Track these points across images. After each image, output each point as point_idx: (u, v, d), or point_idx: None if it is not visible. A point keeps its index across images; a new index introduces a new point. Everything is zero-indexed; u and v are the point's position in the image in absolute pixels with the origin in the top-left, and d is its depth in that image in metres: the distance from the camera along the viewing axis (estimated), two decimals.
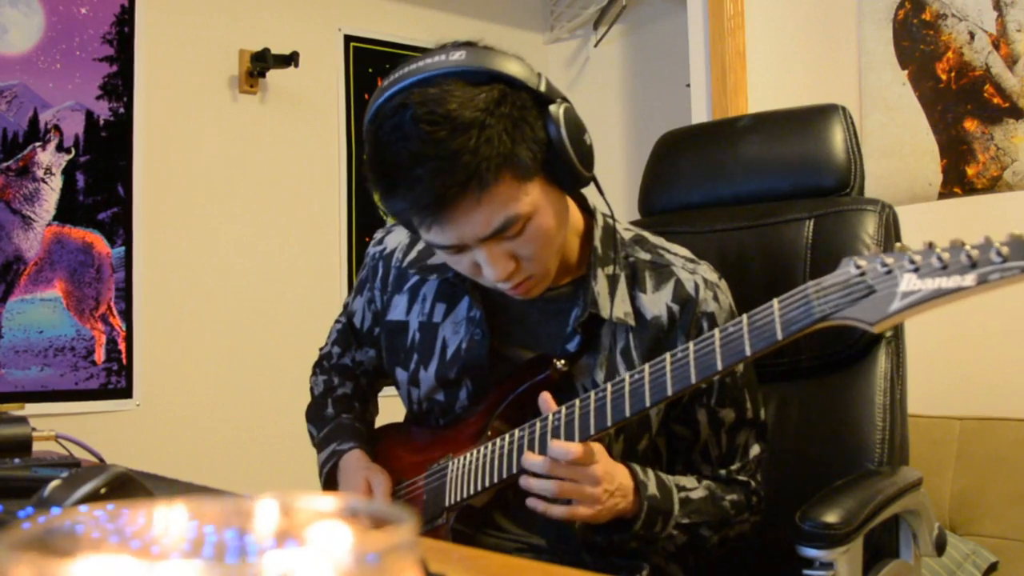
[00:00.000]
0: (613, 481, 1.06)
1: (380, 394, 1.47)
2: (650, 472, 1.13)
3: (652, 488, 1.11)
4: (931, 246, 0.81)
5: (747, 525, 1.21)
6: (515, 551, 1.18)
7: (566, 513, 1.06)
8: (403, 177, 1.01)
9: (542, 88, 1.05)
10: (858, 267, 0.86)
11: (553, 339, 1.19)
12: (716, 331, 0.96)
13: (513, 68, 1.04)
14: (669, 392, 0.98)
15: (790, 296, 0.91)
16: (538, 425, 1.09)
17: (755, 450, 1.23)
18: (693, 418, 1.20)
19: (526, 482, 1.06)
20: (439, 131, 0.98)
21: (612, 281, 1.17)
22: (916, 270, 0.81)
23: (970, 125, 2.35)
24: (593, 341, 1.17)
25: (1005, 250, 0.76)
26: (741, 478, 1.21)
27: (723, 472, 1.21)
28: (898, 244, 0.84)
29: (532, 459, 1.05)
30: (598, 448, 1.06)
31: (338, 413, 1.36)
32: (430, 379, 1.25)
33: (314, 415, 1.40)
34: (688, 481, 1.17)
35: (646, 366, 1.01)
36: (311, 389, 1.46)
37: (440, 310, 1.25)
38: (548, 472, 1.04)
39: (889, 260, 0.83)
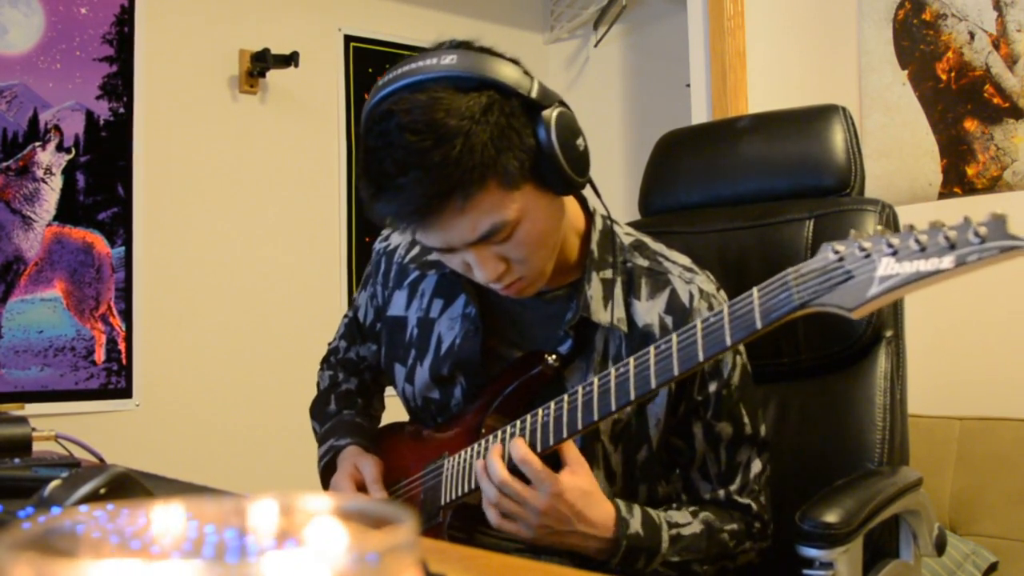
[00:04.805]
0: (567, 523, 1.05)
1: (386, 392, 1.47)
2: (636, 509, 1.11)
3: (636, 526, 1.09)
4: (910, 229, 0.79)
5: (752, 554, 1.19)
6: (514, 551, 1.18)
7: (503, 525, 1.07)
8: (387, 185, 1.01)
9: (534, 94, 1.04)
10: (836, 252, 0.84)
11: (546, 341, 1.19)
12: (698, 321, 0.95)
13: (505, 72, 1.03)
14: (653, 384, 0.98)
15: (769, 284, 0.90)
16: (528, 420, 1.09)
17: (756, 467, 1.20)
18: (689, 432, 1.18)
19: (479, 474, 1.07)
20: (423, 141, 0.98)
21: (607, 286, 1.17)
22: (894, 253, 0.79)
23: (970, 125, 2.35)
24: (586, 345, 1.17)
25: (983, 230, 0.74)
26: (742, 500, 1.18)
27: (722, 492, 1.18)
28: (878, 227, 0.83)
29: (493, 461, 1.06)
30: (574, 484, 1.05)
31: (340, 409, 1.37)
32: (425, 375, 1.25)
33: (317, 410, 1.41)
34: (682, 516, 1.14)
35: (631, 359, 1.01)
36: (317, 384, 1.47)
37: (437, 306, 1.26)
38: (498, 482, 1.04)
39: (867, 244, 0.82)
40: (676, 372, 0.96)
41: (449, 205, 1.00)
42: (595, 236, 1.19)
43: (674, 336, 0.97)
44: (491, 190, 1.01)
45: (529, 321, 1.21)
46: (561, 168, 1.05)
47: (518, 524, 1.06)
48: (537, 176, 1.05)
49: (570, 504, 1.04)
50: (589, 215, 1.22)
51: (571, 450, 1.07)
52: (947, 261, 0.75)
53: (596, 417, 1.02)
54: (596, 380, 1.03)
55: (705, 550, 1.13)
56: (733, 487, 1.19)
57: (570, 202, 1.18)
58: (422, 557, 0.65)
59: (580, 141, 1.07)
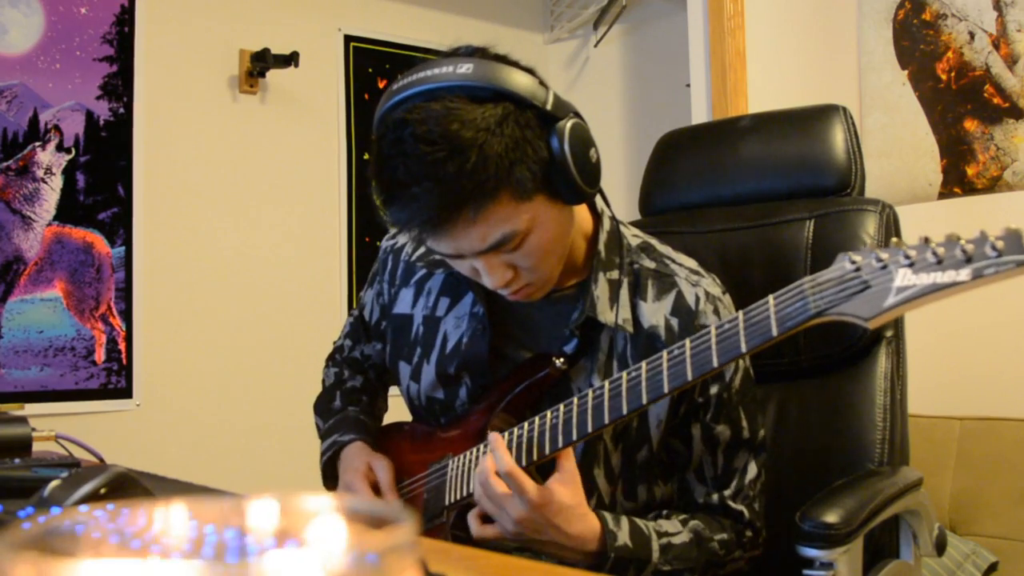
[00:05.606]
0: (542, 532, 1.05)
1: (389, 391, 1.47)
2: (624, 521, 1.11)
3: (623, 538, 1.09)
4: (926, 241, 0.80)
5: (742, 562, 1.19)
6: (515, 551, 1.18)
7: (480, 531, 1.08)
8: (400, 193, 1.02)
9: (549, 106, 1.04)
10: (853, 262, 0.85)
11: (552, 340, 1.19)
12: (712, 328, 0.96)
13: (521, 83, 1.03)
14: (665, 389, 0.98)
15: (785, 292, 0.90)
16: (536, 422, 1.09)
17: (752, 472, 1.20)
18: (688, 433, 1.18)
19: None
20: (437, 152, 0.98)
21: (614, 286, 1.17)
22: (911, 265, 0.80)
23: (970, 125, 2.35)
24: (591, 345, 1.17)
25: (1000, 244, 0.75)
26: (735, 506, 1.18)
27: (716, 497, 1.18)
28: (894, 239, 0.84)
29: (482, 462, 1.07)
30: (553, 498, 1.04)
31: (345, 406, 1.38)
32: (431, 373, 1.25)
33: (322, 407, 1.42)
34: (672, 525, 1.15)
35: (643, 363, 1.01)
36: (322, 380, 1.48)
37: (444, 304, 1.26)
38: (482, 480, 1.06)
39: (884, 255, 0.83)
40: (689, 377, 0.96)
41: (461, 216, 1.01)
42: (602, 237, 1.19)
43: (687, 341, 0.97)
44: (503, 202, 1.02)
45: (535, 320, 1.22)
46: (573, 180, 1.05)
47: (495, 526, 1.07)
48: (549, 187, 1.06)
49: (547, 518, 1.04)
50: (597, 216, 1.22)
51: (567, 460, 1.07)
52: (964, 274, 0.76)
53: (607, 421, 1.02)
54: (607, 384, 1.04)
55: (695, 559, 1.13)
56: (728, 492, 1.19)
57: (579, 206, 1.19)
58: (422, 557, 0.65)
59: (593, 152, 1.08)
